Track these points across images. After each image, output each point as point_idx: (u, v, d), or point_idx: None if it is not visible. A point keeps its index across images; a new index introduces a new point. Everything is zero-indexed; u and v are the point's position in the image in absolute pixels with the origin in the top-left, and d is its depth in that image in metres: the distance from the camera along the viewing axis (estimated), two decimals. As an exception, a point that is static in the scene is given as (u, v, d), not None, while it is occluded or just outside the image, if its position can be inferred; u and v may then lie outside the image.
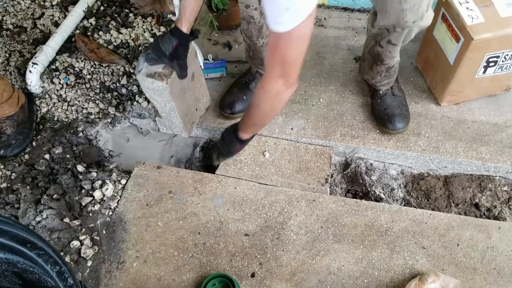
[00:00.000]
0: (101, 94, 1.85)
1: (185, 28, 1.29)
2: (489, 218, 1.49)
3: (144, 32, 2.05)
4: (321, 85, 1.76)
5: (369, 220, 1.41)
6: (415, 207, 1.51)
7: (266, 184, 1.53)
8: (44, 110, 1.83)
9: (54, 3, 2.21)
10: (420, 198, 1.58)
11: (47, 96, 1.87)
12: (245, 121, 1.30)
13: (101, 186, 1.52)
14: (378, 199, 1.56)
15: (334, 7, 2.04)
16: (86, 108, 1.82)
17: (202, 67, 1.76)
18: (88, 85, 1.88)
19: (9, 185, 1.54)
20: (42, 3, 2.22)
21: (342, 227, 1.40)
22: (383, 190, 1.58)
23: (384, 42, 1.39)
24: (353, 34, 1.94)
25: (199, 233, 1.41)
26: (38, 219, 1.40)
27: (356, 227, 1.40)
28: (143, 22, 2.09)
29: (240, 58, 1.88)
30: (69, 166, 1.58)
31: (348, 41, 1.91)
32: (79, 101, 1.84)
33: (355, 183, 1.61)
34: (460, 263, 1.32)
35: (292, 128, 1.64)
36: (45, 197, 1.46)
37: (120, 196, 1.52)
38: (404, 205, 1.54)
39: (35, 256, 0.76)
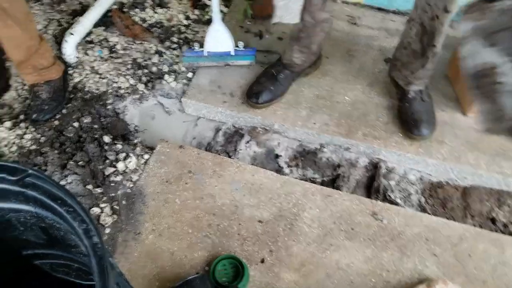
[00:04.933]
0: (132, 70, 1.90)
1: None
2: (504, 234, 1.49)
3: (179, 13, 2.09)
4: (348, 83, 1.77)
5: (382, 221, 1.43)
6: (430, 214, 1.51)
7: (284, 175, 1.56)
8: (76, 80, 1.88)
9: (95, -24, 2.26)
10: (436, 206, 1.58)
11: (80, 66, 1.92)
12: None
13: (124, 159, 1.57)
14: (394, 203, 1.57)
15: (369, 6, 2.04)
16: (117, 82, 1.86)
17: (233, 54, 1.78)
18: (120, 60, 1.92)
19: (38, 147, 1.60)
20: (83, -25, 2.27)
21: (355, 225, 1.41)
22: (400, 193, 1.58)
23: (440, 11, 1.35)
24: (385, 35, 1.94)
25: (214, 214, 1.44)
26: (63, 182, 1.45)
27: (369, 227, 1.41)
28: (179, 3, 2.12)
29: (270, 48, 1.90)
30: (96, 136, 1.63)
31: (379, 42, 1.91)
32: (110, 74, 1.88)
33: (372, 183, 1.62)
34: (470, 274, 1.33)
35: (314, 123, 1.66)
36: (71, 162, 1.51)
37: (142, 170, 1.56)
38: (420, 212, 1.54)
39: (64, 213, 0.80)
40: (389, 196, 1.58)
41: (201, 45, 1.81)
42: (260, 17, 1.97)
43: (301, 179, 1.57)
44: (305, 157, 1.66)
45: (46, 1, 2.16)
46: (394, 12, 2.02)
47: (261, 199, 1.48)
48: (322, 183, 1.59)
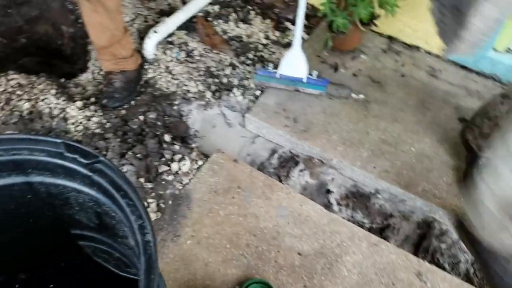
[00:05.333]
0: (203, 77, 1.94)
1: None
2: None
3: (259, 32, 2.12)
4: (417, 134, 1.72)
5: (426, 284, 1.35)
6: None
7: (332, 212, 1.52)
8: (149, 75, 1.95)
9: (188, -18, 2.35)
10: (484, 281, 1.48)
11: (156, 64, 1.98)
12: None
13: (179, 160, 1.59)
14: (441, 267, 1.48)
15: (453, 62, 1.98)
16: (187, 86, 1.91)
17: (305, 81, 1.78)
18: (194, 65, 1.97)
19: (102, 132, 1.66)
20: (177, -21, 2.37)
21: (397, 281, 1.35)
22: (449, 259, 1.50)
23: None
24: (464, 94, 1.87)
25: (254, 235, 1.43)
26: (118, 171, 1.49)
27: (411, 286, 1.34)
28: (261, 22, 2.16)
29: (342, 82, 1.88)
30: (157, 133, 1.67)
31: (457, 100, 1.84)
32: (182, 77, 1.93)
33: (422, 241, 1.54)
34: None
35: (374, 167, 1.61)
36: (130, 153, 1.55)
37: (193, 175, 1.58)
38: (466, 283, 1.45)
39: (124, 204, 0.81)
40: (438, 259, 1.49)
41: (275, 67, 1.82)
42: (339, 50, 1.96)
43: (349, 220, 1.52)
44: (357, 199, 1.61)
45: (138, -3, 2.28)
46: (477, 73, 1.94)
47: (305, 231, 1.44)
48: (370, 230, 1.53)
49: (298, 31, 1.70)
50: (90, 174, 0.86)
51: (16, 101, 1.76)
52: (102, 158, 0.84)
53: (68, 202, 0.97)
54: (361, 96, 1.83)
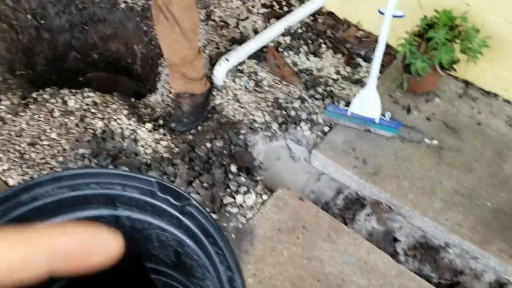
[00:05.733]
0: (271, 108, 1.93)
1: None
2: None
3: (330, 66, 2.10)
4: (493, 187, 1.62)
5: None
6: None
7: (401, 264, 1.45)
8: (217, 102, 1.97)
9: (260, 11, 2.38)
10: None
11: (224, 91, 2.00)
12: None
13: (244, 193, 1.58)
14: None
15: (534, 112, 1.87)
16: (253, 115, 1.91)
17: (377, 121, 1.73)
18: (263, 95, 1.98)
19: (170, 157, 1.68)
20: (250, 8, 2.41)
21: None
22: (525, 329, 1.39)
23: None
24: (547, 148, 1.76)
25: (318, 280, 1.38)
26: (186, 199, 1.50)
27: None
28: (333, 56, 2.14)
29: (415, 125, 1.82)
30: (224, 162, 1.67)
31: (538, 154, 1.73)
32: (249, 106, 1.94)
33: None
34: None
35: (447, 219, 1.53)
36: (197, 181, 1.56)
37: (258, 210, 1.56)
38: None
39: (212, 252, 0.80)
40: (512, 327, 1.39)
41: (347, 104, 1.79)
42: (413, 92, 1.91)
43: (416, 273, 1.44)
44: (426, 251, 1.53)
45: (211, 23, 2.32)
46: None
47: (372, 282, 1.38)
48: (437, 285, 1.45)
49: (374, 71, 1.67)
50: (179, 216, 0.85)
51: (90, 119, 1.82)
52: (194, 202, 0.83)
53: (150, 237, 0.97)
54: (435, 141, 1.76)
